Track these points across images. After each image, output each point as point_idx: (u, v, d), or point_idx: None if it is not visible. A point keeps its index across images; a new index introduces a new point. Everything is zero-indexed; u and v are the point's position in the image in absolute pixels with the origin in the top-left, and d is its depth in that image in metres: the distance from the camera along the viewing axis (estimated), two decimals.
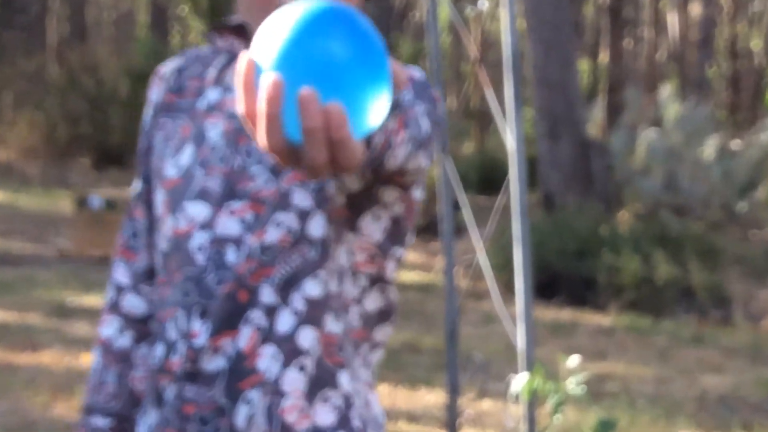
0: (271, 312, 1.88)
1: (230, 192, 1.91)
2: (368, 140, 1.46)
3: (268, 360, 1.87)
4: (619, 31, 38.67)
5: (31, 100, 24.09)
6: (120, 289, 2.15)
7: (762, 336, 10.73)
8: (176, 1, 39.80)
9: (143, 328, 2.14)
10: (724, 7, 42.96)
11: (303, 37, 1.19)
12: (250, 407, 1.86)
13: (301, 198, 1.88)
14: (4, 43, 28.47)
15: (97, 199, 14.07)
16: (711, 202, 14.89)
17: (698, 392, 8.29)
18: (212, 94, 2.02)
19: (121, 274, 2.14)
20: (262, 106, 1.16)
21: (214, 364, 1.88)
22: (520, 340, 3.39)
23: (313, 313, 1.90)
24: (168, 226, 1.98)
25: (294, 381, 1.88)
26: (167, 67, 2.13)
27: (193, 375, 1.90)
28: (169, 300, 1.96)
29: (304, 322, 1.89)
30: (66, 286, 11.58)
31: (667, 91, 17.15)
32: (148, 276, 2.14)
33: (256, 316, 1.87)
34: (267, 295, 1.88)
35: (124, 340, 2.15)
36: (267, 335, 1.88)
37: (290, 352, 1.89)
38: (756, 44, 42.77)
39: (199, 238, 1.92)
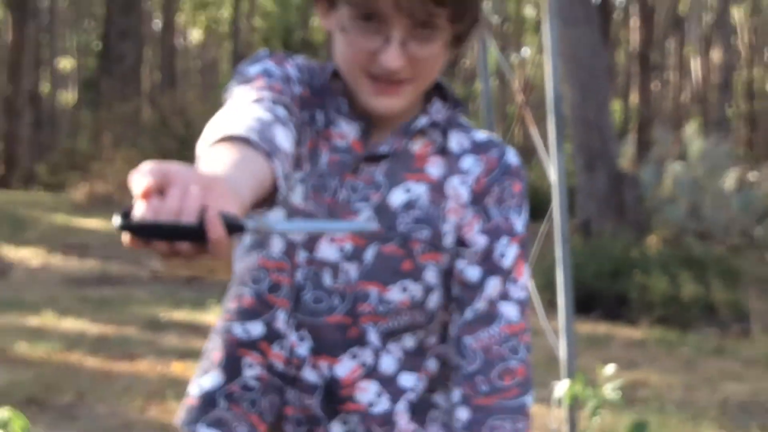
0: (376, 354, 1.85)
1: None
2: None
3: (371, 395, 1.84)
4: (648, 75, 38.40)
5: (128, 139, 24.08)
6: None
7: None
8: (254, 52, 40.09)
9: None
10: (742, 53, 42.64)
11: None
12: (348, 427, 1.84)
13: (432, 275, 1.84)
14: (103, 90, 28.70)
15: None
16: (731, 229, 14.77)
17: (721, 398, 8.20)
18: (319, 117, 1.94)
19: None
20: None
21: (314, 378, 1.84)
22: (562, 351, 3.28)
23: (413, 361, 1.88)
24: (281, 238, 1.88)
25: (400, 411, 1.86)
26: (294, 62, 1.96)
27: (293, 380, 1.85)
28: (279, 291, 1.88)
29: (404, 367, 1.87)
30: (159, 303, 11.54)
31: (691, 129, 17.02)
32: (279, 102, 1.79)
33: (362, 354, 1.84)
34: (374, 337, 1.84)
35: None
36: (370, 372, 1.84)
37: (395, 390, 1.86)
38: None
39: (300, 257, 1.85)
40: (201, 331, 10.07)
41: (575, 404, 3.27)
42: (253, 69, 1.87)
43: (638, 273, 12.15)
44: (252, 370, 1.88)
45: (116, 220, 1.27)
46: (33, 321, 10.06)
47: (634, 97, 39.26)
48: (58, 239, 16.74)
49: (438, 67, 1.85)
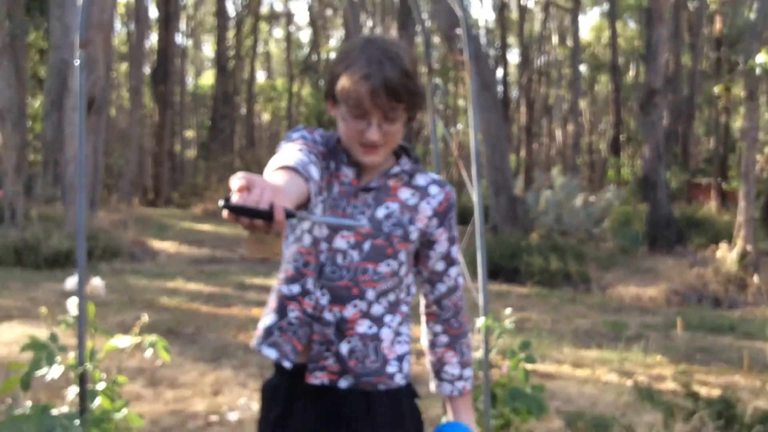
0: (369, 304, 1.93)
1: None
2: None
3: (365, 327, 1.92)
4: (530, 140, 38.45)
5: (225, 178, 24.24)
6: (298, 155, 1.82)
7: (607, 299, 10.62)
8: (301, 123, 39.72)
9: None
10: (585, 126, 42.83)
11: None
12: (351, 344, 1.90)
13: (403, 256, 1.95)
14: (212, 149, 28.93)
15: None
16: (579, 229, 14.82)
17: (573, 328, 8.20)
18: (331, 165, 1.98)
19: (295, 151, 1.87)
20: None
21: (329, 317, 1.90)
22: (480, 301, 3.27)
23: (393, 307, 1.97)
24: (309, 235, 1.96)
25: (386, 335, 1.95)
26: (316, 130, 2.03)
27: (318, 319, 1.91)
28: (311, 267, 1.94)
29: (388, 311, 1.96)
30: (244, 274, 11.54)
31: (555, 171, 17.03)
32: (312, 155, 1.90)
33: (360, 304, 1.92)
34: (370, 295, 1.92)
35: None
36: (365, 314, 1.92)
37: (381, 323, 1.95)
38: (603, 147, 42.44)
39: (322, 246, 1.92)
40: (269, 290, 10.10)
41: (488, 332, 3.24)
42: (295, 134, 1.97)
43: (525, 255, 12.20)
44: (293, 313, 1.93)
45: (221, 202, 1.42)
46: (170, 284, 10.08)
47: (522, 153, 39.30)
48: (185, 236, 16.74)
49: (400, 137, 1.94)
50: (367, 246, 1.93)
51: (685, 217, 19.22)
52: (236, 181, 1.43)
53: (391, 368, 1.96)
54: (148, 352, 2.80)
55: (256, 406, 5.02)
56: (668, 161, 22.08)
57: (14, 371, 2.75)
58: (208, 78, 46.09)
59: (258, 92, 43.40)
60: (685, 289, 11.10)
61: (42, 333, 2.84)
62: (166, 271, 11.32)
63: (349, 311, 1.92)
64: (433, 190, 2.01)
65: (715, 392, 4.32)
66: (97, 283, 2.90)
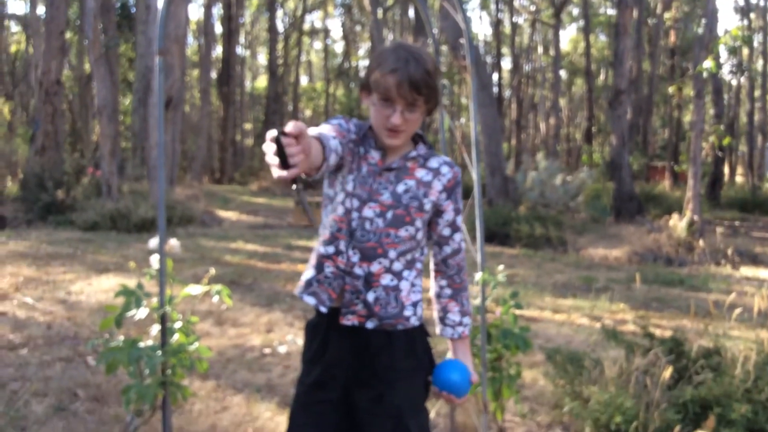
0: (391, 261, 1.94)
1: (369, 198, 1.94)
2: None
3: (387, 280, 1.93)
4: (519, 131, 38.17)
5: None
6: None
7: (580, 259, 10.55)
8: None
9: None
10: (564, 120, 42.38)
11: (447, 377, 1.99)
12: (376, 293, 1.92)
13: (419, 223, 1.96)
14: (264, 139, 28.76)
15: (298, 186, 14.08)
16: (558, 203, 14.74)
17: (553, 281, 8.15)
18: (361, 149, 1.99)
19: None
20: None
21: (359, 271, 1.92)
22: (479, 259, 3.30)
23: (410, 264, 1.98)
24: (346, 203, 1.95)
25: (404, 286, 1.96)
26: (353, 122, 2.02)
27: (349, 273, 1.92)
28: (343, 231, 1.94)
29: (406, 267, 1.97)
30: (291, 237, 11.48)
31: (540, 156, 16.96)
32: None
33: (384, 261, 1.93)
34: (392, 254, 1.94)
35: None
36: (388, 269, 1.94)
37: (400, 277, 1.96)
38: (578, 137, 42.01)
39: (354, 215, 1.93)
40: (311, 250, 10.11)
41: (484, 284, 3.22)
42: (334, 120, 1.99)
43: (514, 223, 12.12)
44: (329, 268, 1.95)
45: (274, 132, 1.47)
46: (232, 245, 10.11)
47: (513, 141, 39.02)
48: (244, 207, 16.79)
49: (419, 124, 1.95)
50: (389, 215, 1.94)
51: (644, 193, 19.03)
52: (292, 125, 1.47)
53: (408, 312, 1.98)
54: (215, 298, 2.81)
55: (300, 341, 5.04)
56: (631, 148, 21.82)
57: (109, 312, 2.77)
58: (262, 81, 45.94)
59: (301, 93, 43.25)
60: (643, 250, 11.02)
61: (131, 283, 2.85)
62: (229, 235, 11.35)
63: (375, 267, 1.93)
64: (444, 169, 2.01)
65: (667, 333, 4.28)
66: (174, 243, 2.90)
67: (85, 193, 12.34)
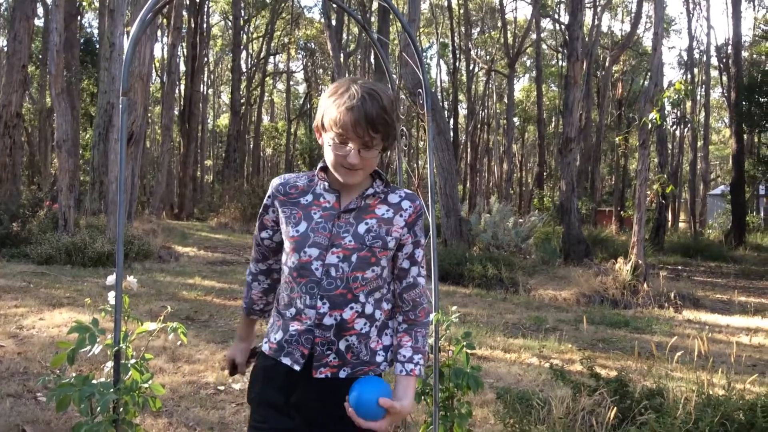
0: (363, 305, 1.86)
1: (331, 244, 1.85)
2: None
3: (361, 324, 1.86)
4: (475, 174, 38.69)
5: (236, 198, 24.12)
6: (252, 278, 2.17)
7: (531, 299, 10.62)
8: (297, 159, 39.53)
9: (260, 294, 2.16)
10: (517, 165, 43.08)
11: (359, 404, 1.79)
12: (348, 341, 1.85)
13: (384, 262, 1.88)
14: (225, 175, 28.83)
15: None
16: (510, 244, 14.88)
17: (504, 321, 8.14)
18: (308, 197, 1.93)
19: (251, 271, 2.16)
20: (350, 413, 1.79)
21: (329, 321, 1.84)
22: (433, 299, 3.32)
23: (378, 303, 1.90)
24: (295, 257, 1.87)
25: (373, 333, 1.89)
26: (276, 183, 2.00)
27: (319, 325, 1.84)
28: (296, 290, 1.88)
29: (376, 308, 1.89)
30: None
31: (493, 199, 17.14)
32: (263, 273, 2.13)
33: (356, 306, 1.85)
34: (362, 297, 1.86)
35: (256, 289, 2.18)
36: (360, 314, 1.86)
37: (372, 320, 1.89)
38: (530, 181, 42.71)
39: (315, 264, 1.84)
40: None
41: (438, 323, 3.21)
42: (256, 230, 2.10)
43: (468, 263, 12.20)
44: (293, 328, 1.89)
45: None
46: (189, 280, 9.96)
47: (468, 184, 39.48)
48: (203, 243, 16.58)
49: (376, 162, 1.87)
50: (354, 258, 1.85)
51: (592, 236, 19.41)
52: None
53: (379, 358, 1.93)
54: (171, 336, 2.76)
55: None
56: (580, 193, 22.29)
57: (62, 348, 2.70)
58: (224, 119, 45.87)
59: (263, 131, 43.23)
60: (590, 292, 11.18)
61: (86, 318, 2.79)
62: (187, 270, 11.18)
63: (348, 313, 1.85)
64: (405, 204, 1.93)
65: (613, 373, 4.34)
66: (131, 279, 2.86)
67: (41, 227, 12.07)
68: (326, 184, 1.92)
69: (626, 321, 8.85)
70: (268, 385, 1.93)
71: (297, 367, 1.87)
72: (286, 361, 1.88)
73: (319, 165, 1.93)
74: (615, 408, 3.50)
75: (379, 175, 1.95)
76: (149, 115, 28.61)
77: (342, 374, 1.87)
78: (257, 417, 1.94)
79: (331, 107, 1.79)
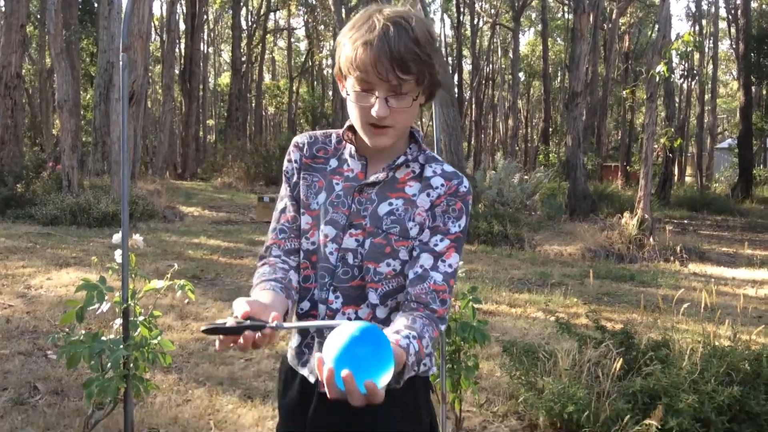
0: (374, 308, 1.48)
1: (349, 224, 1.49)
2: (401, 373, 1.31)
3: None
4: (479, 131, 38.49)
5: (239, 157, 24.07)
6: (272, 257, 1.57)
7: (536, 255, 10.65)
8: (299, 117, 39.37)
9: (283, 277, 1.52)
10: (522, 121, 42.81)
11: (343, 345, 1.12)
12: None
13: (404, 254, 1.46)
14: (227, 135, 28.78)
15: (267, 197, 13.75)
16: (516, 201, 14.88)
17: (510, 277, 8.23)
18: (333, 162, 1.56)
19: (274, 252, 1.57)
20: (324, 379, 1.11)
21: (344, 319, 1.47)
22: None
23: (395, 306, 1.49)
24: (311, 237, 1.52)
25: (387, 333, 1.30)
26: (300, 140, 1.60)
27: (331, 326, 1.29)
28: (311, 278, 1.52)
29: (392, 312, 1.49)
30: (253, 233, 11.37)
31: (498, 155, 17.09)
32: (291, 252, 1.56)
33: (369, 306, 1.48)
34: (373, 297, 1.48)
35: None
36: (373, 317, 1.48)
37: (385, 324, 1.46)
38: (535, 137, 42.50)
39: (330, 247, 1.49)
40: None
41: None
42: (282, 189, 1.63)
43: (473, 220, 12.20)
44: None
45: (205, 328, 1.24)
46: (195, 240, 10.02)
47: (473, 141, 39.29)
48: (207, 203, 16.62)
49: (411, 117, 1.45)
50: (367, 244, 1.49)
51: (597, 192, 19.36)
52: (240, 307, 1.24)
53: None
54: (179, 293, 2.79)
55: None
56: (585, 148, 22.17)
57: (71, 307, 2.73)
58: (225, 78, 45.56)
59: (265, 90, 42.96)
60: (596, 247, 11.20)
61: (93, 277, 2.81)
62: (192, 230, 11.23)
63: (364, 311, 1.50)
64: (436, 182, 1.51)
65: (618, 327, 4.37)
66: (137, 238, 2.87)
67: (45, 188, 12.10)
68: (353, 148, 1.55)
69: (632, 275, 8.88)
70: (288, 392, 1.62)
71: (312, 379, 1.54)
72: (303, 371, 1.56)
73: (347, 123, 1.54)
74: (621, 359, 3.53)
75: (414, 138, 1.55)
76: (149, 74, 28.40)
77: None
78: (280, 423, 1.66)
79: (347, 44, 1.40)
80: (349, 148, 1.55)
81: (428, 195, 1.50)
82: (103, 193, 11.82)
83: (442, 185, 1.50)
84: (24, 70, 15.72)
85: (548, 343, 4.62)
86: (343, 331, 1.14)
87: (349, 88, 1.42)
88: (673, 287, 7.87)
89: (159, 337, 2.77)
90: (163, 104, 25.84)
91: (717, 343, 3.97)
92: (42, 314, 5.26)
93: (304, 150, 1.59)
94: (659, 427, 3.26)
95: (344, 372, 1.10)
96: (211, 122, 45.30)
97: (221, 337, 1.24)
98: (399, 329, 1.35)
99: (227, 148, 26.85)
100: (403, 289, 1.49)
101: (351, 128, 1.53)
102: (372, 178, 1.50)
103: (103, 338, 2.68)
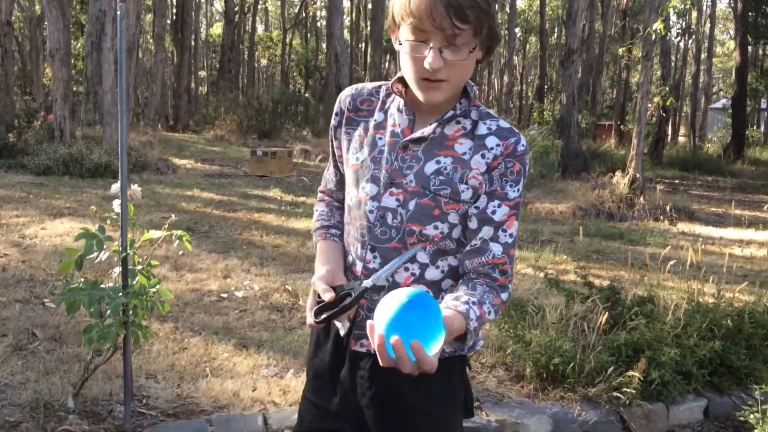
0: (423, 268, 1.41)
1: (390, 182, 1.41)
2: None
3: None
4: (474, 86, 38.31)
5: (231, 110, 23.88)
6: (327, 197, 1.66)
7: (527, 212, 10.69)
8: (293, 70, 38.96)
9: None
10: (518, 78, 42.52)
11: (395, 311, 1.11)
12: None
13: (454, 218, 1.39)
14: (220, 87, 28.45)
15: (260, 150, 13.68)
16: None
17: None
18: (378, 116, 1.48)
19: (327, 196, 1.65)
20: (376, 346, 1.11)
21: (383, 282, 1.41)
22: None
23: (452, 272, 1.44)
24: (353, 193, 1.47)
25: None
26: (345, 93, 1.54)
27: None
28: (351, 234, 1.48)
29: (446, 276, 1.44)
30: (246, 186, 11.34)
31: (493, 112, 16.99)
32: (340, 200, 1.61)
33: (412, 267, 1.42)
34: (423, 256, 1.41)
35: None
36: (418, 279, 1.42)
37: (438, 290, 1.43)
38: (530, 94, 42.28)
39: (370, 205, 1.42)
40: (266, 200, 10.08)
41: None
42: (330, 160, 1.65)
43: None
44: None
45: (314, 318, 1.35)
46: (188, 192, 10.02)
47: None
48: (200, 155, 16.55)
49: (468, 71, 1.37)
50: (412, 205, 1.40)
51: (590, 150, 19.40)
52: (324, 292, 1.33)
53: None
54: (176, 243, 2.83)
55: (257, 286, 5.10)
56: (580, 106, 22.13)
57: (69, 255, 2.77)
58: (217, 29, 44.93)
59: (257, 42, 42.41)
60: (587, 205, 11.30)
61: (88, 227, 2.85)
62: (185, 182, 11.23)
63: (401, 275, 1.43)
64: (491, 141, 1.41)
65: (606, 283, 4.47)
66: (135, 188, 2.90)
67: (37, 137, 12.04)
68: (401, 101, 1.47)
69: (621, 233, 8.98)
70: (318, 352, 1.57)
71: (342, 331, 1.49)
72: (337, 323, 1.49)
73: (397, 74, 1.45)
74: (606, 314, 3.63)
75: (465, 93, 1.45)
76: (141, 23, 27.99)
77: None
78: (307, 387, 1.61)
79: None
80: (398, 102, 1.48)
81: (483, 156, 1.40)
82: (95, 143, 11.77)
83: (498, 145, 1.41)
84: (14, 17, 15.46)
85: (537, 298, 4.72)
86: (394, 297, 1.14)
87: (402, 37, 1.34)
88: (661, 246, 7.98)
89: (158, 286, 2.83)
90: (155, 55, 25.50)
91: (701, 300, 4.07)
92: (38, 263, 5.31)
93: (347, 103, 1.53)
94: (641, 378, 3.38)
95: (393, 338, 1.09)
96: (202, 74, 44.82)
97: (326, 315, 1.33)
98: (458, 295, 1.34)
99: (219, 100, 26.63)
100: (454, 252, 1.44)
101: (401, 80, 1.44)
102: (418, 134, 1.42)
103: (103, 286, 2.74)
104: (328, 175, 1.65)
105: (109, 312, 2.68)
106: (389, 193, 1.42)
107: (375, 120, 1.49)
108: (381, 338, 1.11)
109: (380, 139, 1.46)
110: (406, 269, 1.42)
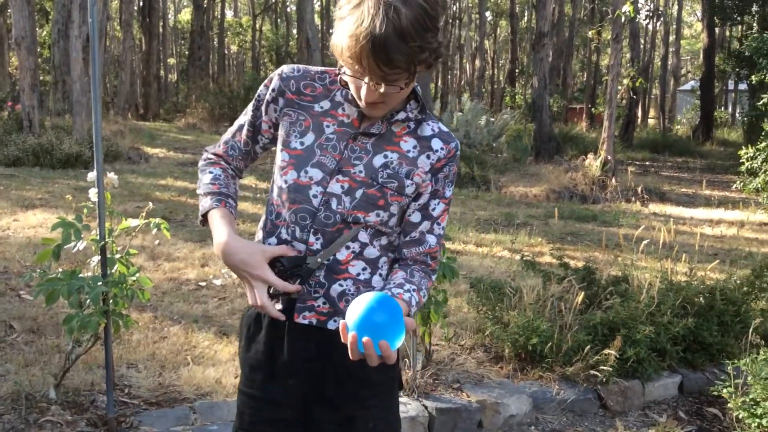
0: (363, 246, 1.48)
1: (338, 170, 1.46)
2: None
3: (358, 269, 1.49)
4: (446, 71, 38.20)
5: (202, 98, 23.61)
6: (222, 162, 1.64)
7: (502, 196, 10.83)
8: (263, 56, 38.58)
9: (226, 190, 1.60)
10: (489, 62, 42.59)
11: (364, 314, 1.25)
12: (343, 286, 1.48)
13: (395, 209, 1.48)
14: (190, 74, 28.15)
15: None
16: (482, 142, 14.94)
17: (476, 217, 8.38)
18: (324, 103, 1.52)
19: (224, 160, 1.66)
20: (348, 344, 1.26)
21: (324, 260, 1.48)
22: None
23: (385, 251, 1.52)
24: (291, 176, 1.48)
25: (377, 281, 1.50)
26: (287, 71, 1.55)
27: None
28: (284, 216, 1.50)
29: (381, 254, 1.52)
30: None
31: (465, 97, 17.06)
32: (236, 170, 1.67)
33: (353, 245, 1.48)
34: (364, 236, 1.48)
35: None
36: (358, 255, 1.48)
37: (375, 267, 1.51)
38: (502, 78, 42.36)
39: (314, 190, 1.46)
40: (241, 188, 10.01)
41: None
42: (240, 120, 1.65)
43: None
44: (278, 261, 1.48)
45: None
46: (161, 182, 9.93)
47: (440, 82, 39.07)
48: (172, 144, 16.38)
49: (403, 94, 1.42)
50: (359, 194, 1.48)
51: (562, 134, 19.56)
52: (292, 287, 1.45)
53: None
54: (154, 231, 2.82)
55: (235, 274, 5.08)
56: (551, 90, 22.26)
57: (46, 245, 2.75)
58: (185, 15, 44.30)
59: (227, 27, 41.95)
60: (560, 188, 11.41)
61: (64, 217, 2.82)
62: (158, 171, 11.12)
63: (342, 253, 1.49)
64: (436, 144, 1.52)
65: (580, 264, 4.53)
66: (111, 176, 2.88)
67: (6, 128, 11.82)
68: (349, 92, 1.50)
69: (594, 215, 9.10)
70: (252, 344, 1.59)
71: (279, 305, 1.52)
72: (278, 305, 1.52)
73: (343, 68, 1.44)
74: (582, 294, 3.69)
75: (415, 95, 1.52)
76: (107, 10, 27.52)
77: (331, 325, 1.50)
78: (243, 383, 1.62)
79: (339, 26, 1.34)
80: (346, 92, 1.51)
81: (428, 157, 1.50)
82: (65, 133, 11.59)
83: (442, 148, 1.52)
84: None
85: (513, 280, 4.78)
86: (362, 300, 1.29)
87: (342, 65, 1.39)
88: (634, 226, 8.11)
89: (137, 274, 2.82)
90: (123, 42, 25.09)
91: (674, 279, 4.16)
92: (12, 255, 5.25)
93: (290, 84, 1.54)
94: (618, 356, 3.45)
95: (365, 339, 1.25)
96: (172, 61, 44.26)
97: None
98: (401, 283, 1.47)
99: (190, 88, 26.36)
100: (389, 234, 1.53)
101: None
102: (373, 129, 1.49)
103: (81, 276, 2.72)
104: (233, 141, 1.65)
105: (89, 301, 2.67)
106: (336, 180, 1.47)
107: (321, 107, 1.53)
108: (354, 337, 1.26)
109: (328, 126, 1.51)
110: (347, 248, 1.49)
